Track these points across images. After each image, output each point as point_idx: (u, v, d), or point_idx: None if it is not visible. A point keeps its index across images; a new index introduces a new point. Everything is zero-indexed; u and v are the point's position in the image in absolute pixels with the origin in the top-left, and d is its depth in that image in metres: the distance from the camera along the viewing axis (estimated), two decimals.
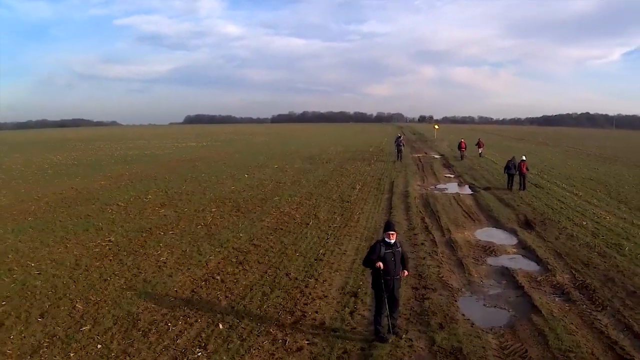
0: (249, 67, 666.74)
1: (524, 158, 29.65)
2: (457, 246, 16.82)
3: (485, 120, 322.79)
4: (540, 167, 40.45)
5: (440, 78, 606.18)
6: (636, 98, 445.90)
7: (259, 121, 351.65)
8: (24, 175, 38.85)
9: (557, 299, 12.27)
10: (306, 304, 11.77)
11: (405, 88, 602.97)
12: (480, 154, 51.51)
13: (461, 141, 50.26)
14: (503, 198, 25.85)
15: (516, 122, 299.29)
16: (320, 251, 16.14)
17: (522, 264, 15.24)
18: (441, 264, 14.87)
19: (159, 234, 19.05)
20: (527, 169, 29.19)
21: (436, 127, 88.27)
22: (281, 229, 19.32)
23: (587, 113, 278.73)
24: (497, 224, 20.64)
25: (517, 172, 28.95)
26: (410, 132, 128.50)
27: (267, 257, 15.59)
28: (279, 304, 11.79)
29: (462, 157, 48.41)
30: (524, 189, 28.65)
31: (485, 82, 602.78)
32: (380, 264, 9.60)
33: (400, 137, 54.47)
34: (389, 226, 9.94)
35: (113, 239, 18.35)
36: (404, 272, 10.18)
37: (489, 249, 16.62)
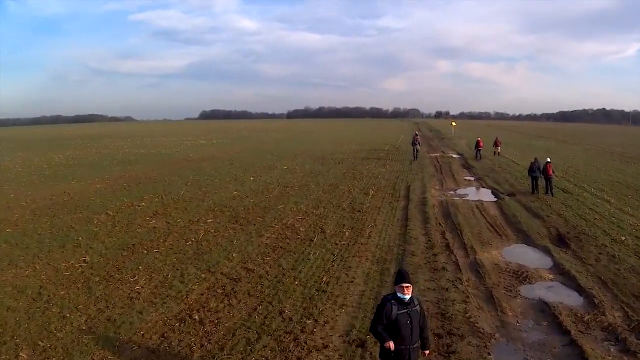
0: (265, 62, 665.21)
1: (548, 160, 27.46)
2: (484, 271, 14.33)
3: (501, 116, 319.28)
4: (564, 168, 37.72)
5: (456, 73, 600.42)
6: None
7: (274, 117, 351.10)
8: (18, 178, 36.96)
9: (612, 349, 9.81)
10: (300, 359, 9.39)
11: (421, 83, 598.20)
12: (496, 152, 49.37)
13: (478, 140, 48.09)
14: (530, 207, 23.27)
15: (532, 117, 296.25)
16: (324, 278, 13.74)
17: (562, 296, 12.73)
18: (468, 297, 12.40)
19: (142, 252, 16.83)
20: (553, 172, 27.11)
21: (453, 123, 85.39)
22: (281, 247, 16.93)
23: (604, 109, 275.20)
24: (526, 239, 18.11)
25: (542, 176, 26.84)
26: (426, 128, 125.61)
27: (259, 287, 13.23)
28: (265, 359, 9.41)
29: (478, 157, 46.41)
30: (551, 194, 26.34)
31: (500, 78, 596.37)
32: (391, 345, 7.01)
33: (416, 135, 52.21)
34: (402, 277, 7.13)
35: (89, 258, 16.18)
36: (425, 353, 7.65)
37: (522, 275, 14.12)
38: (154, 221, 21.38)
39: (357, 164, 40.91)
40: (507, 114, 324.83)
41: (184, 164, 43.55)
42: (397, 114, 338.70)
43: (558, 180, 30.47)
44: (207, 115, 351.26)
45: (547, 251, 16.51)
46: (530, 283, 13.60)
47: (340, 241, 17.49)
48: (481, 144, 47.42)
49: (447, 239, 17.68)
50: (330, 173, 35.35)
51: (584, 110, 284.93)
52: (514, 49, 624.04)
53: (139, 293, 13.02)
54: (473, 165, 40.49)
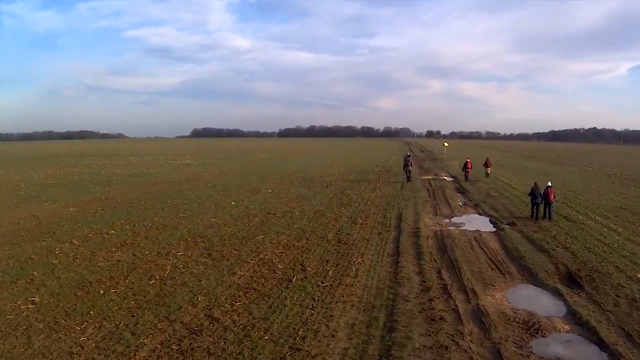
0: (258, 80, 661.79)
1: (549, 184, 26.13)
2: (489, 322, 12.26)
3: (492, 136, 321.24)
4: (563, 193, 35.88)
5: (448, 93, 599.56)
6: None
7: (265, 135, 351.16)
8: None
9: None
10: None
11: (413, 102, 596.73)
12: (487, 173, 48.44)
13: (467, 161, 47.37)
14: (534, 238, 21.28)
15: (523, 137, 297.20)
16: (300, 332, 11.63)
17: (583, 355, 10.71)
18: (472, 359, 10.30)
19: (98, 292, 14.76)
20: (554, 196, 25.92)
21: (446, 144, 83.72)
22: (255, 289, 14.79)
23: (595, 128, 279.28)
24: (533, 279, 16.09)
25: (542, 201, 25.60)
26: (418, 148, 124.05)
27: (222, 343, 11.11)
28: None
29: (466, 178, 45.59)
30: (549, 219, 25.39)
31: (492, 97, 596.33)
32: None
33: (408, 155, 50.52)
34: None
35: (38, 299, 14.19)
36: None
37: (533, 326, 12.07)
38: (120, 253, 19.27)
39: (346, 188, 38.82)
40: (499, 134, 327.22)
41: (165, 186, 41.34)
42: (388, 133, 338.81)
43: (560, 207, 28.71)
44: (198, 133, 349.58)
45: (558, 294, 14.51)
46: (543, 336, 11.61)
47: (322, 282, 15.36)
48: (469, 165, 46.51)
49: (444, 279, 15.62)
50: (317, 198, 33.23)
51: (575, 129, 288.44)
52: (506, 68, 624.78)
53: (82, 347, 11.06)
54: (468, 189, 38.46)
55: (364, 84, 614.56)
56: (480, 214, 28.11)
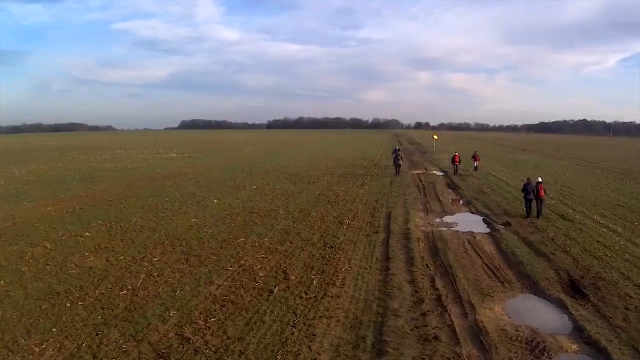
0: (246, 72, 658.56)
1: (540, 180, 25.45)
2: (489, 341, 11.11)
3: (481, 127, 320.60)
4: (557, 188, 34.93)
5: (436, 84, 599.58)
6: (632, 105, 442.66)
7: (254, 127, 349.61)
8: None
9: None
10: None
11: (401, 94, 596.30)
12: (475, 167, 47.45)
13: (455, 155, 46.98)
14: (530, 240, 20.19)
15: (513, 128, 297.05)
16: (278, 355, 10.44)
17: None
18: None
19: (65, 305, 13.57)
20: (545, 192, 25.31)
21: (435, 137, 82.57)
22: (232, 301, 13.56)
23: (584, 120, 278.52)
24: (534, 288, 14.99)
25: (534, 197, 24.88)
26: (407, 141, 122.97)
27: None
28: None
29: (455, 172, 45.18)
30: (539, 215, 24.90)
31: (481, 89, 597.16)
32: None
33: (398, 149, 49.50)
34: None
35: (0, 313, 12.76)
36: None
37: (538, 346, 10.95)
38: (93, 258, 18.01)
39: (333, 184, 37.59)
40: (488, 125, 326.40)
41: (147, 183, 39.94)
42: (377, 125, 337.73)
43: (554, 204, 27.79)
44: (187, 125, 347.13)
45: (562, 305, 13.43)
46: (549, 359, 10.42)
47: (306, 293, 14.14)
48: (457, 159, 46.10)
49: (437, 289, 14.46)
50: (303, 195, 31.98)
51: (565, 121, 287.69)
52: (495, 60, 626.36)
53: None
54: (459, 185, 37.33)
55: (353, 75, 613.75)
56: (472, 213, 27.04)
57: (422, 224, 23.83)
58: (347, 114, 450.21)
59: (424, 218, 25.23)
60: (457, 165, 45.91)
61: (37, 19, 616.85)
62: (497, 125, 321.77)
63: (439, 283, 15.04)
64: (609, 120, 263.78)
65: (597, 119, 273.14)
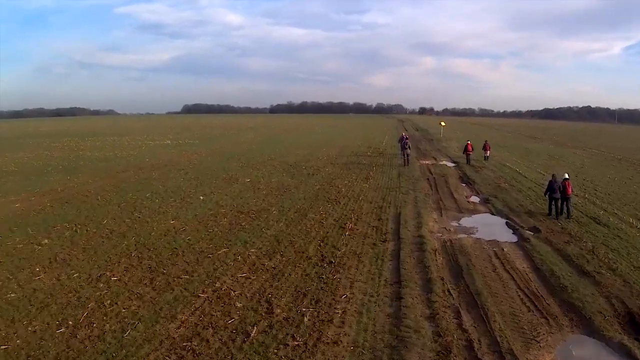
0: (250, 56, 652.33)
1: (567, 176, 22.69)
2: None
3: (486, 113, 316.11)
4: (580, 183, 31.55)
5: (440, 69, 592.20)
6: (637, 92, 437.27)
7: (257, 111, 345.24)
8: None
9: None
10: None
11: (405, 79, 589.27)
12: (486, 157, 44.64)
13: (467, 143, 43.97)
14: (568, 253, 16.82)
15: (517, 114, 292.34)
16: None
17: None
18: None
19: None
20: (572, 191, 23.20)
21: (443, 123, 78.60)
22: (194, 350, 10.24)
23: (589, 106, 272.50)
24: (587, 326, 11.65)
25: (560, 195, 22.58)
26: (412, 127, 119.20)
27: None
28: None
29: (468, 162, 42.17)
30: (567, 216, 22.14)
31: (485, 74, 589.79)
32: None
33: (406, 137, 45.95)
34: None
35: None
36: None
37: None
38: (43, 276, 14.89)
39: (335, 176, 34.17)
40: (492, 111, 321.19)
41: (132, 174, 36.68)
42: (381, 110, 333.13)
43: (582, 203, 24.74)
44: (189, 109, 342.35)
45: (628, 355, 10.08)
46: None
47: (293, 337, 10.78)
48: (470, 148, 43.27)
49: (466, 330, 11.11)
50: (300, 190, 28.58)
51: (570, 107, 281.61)
52: (499, 46, 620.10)
53: None
54: (473, 178, 33.84)
55: (356, 60, 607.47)
56: (492, 214, 23.68)
57: (437, 229, 20.45)
58: (350, 99, 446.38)
59: (438, 221, 21.82)
60: (469, 154, 42.79)
61: (39, 3, 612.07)
62: (502, 111, 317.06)
63: (466, 320, 11.68)
64: (613, 107, 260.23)
65: (601, 106, 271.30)
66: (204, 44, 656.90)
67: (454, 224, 21.52)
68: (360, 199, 26.20)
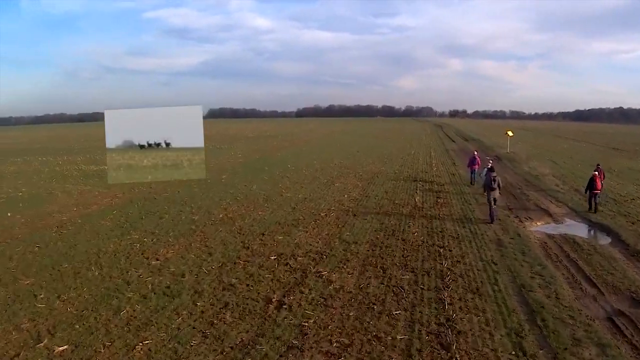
0: (277, 60, 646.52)
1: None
2: None
3: (516, 115, 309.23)
4: None
5: (467, 71, 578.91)
6: None
7: (283, 115, 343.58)
8: None
9: None
10: None
11: (433, 81, 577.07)
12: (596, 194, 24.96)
13: (594, 175, 24.29)
14: None
15: (549, 116, 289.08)
16: None
17: None
18: None
19: None
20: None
21: (510, 133, 57.79)
22: None
23: (621, 108, 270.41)
24: None
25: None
26: (454, 133, 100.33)
27: None
28: None
29: (593, 208, 24.56)
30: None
31: (512, 76, 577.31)
32: None
33: (491, 167, 27.31)
34: None
35: None
36: None
37: None
38: None
39: (345, 250, 15.99)
40: (523, 113, 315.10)
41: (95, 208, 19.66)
42: (409, 113, 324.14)
43: None
44: (214, 114, 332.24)
45: None
46: None
47: None
48: (599, 182, 24.19)
49: None
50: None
51: (601, 109, 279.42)
52: (526, 47, 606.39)
53: None
54: None
55: (383, 63, 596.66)
56: None
57: None
58: (378, 102, 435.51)
59: None
60: (596, 194, 24.31)
61: (67, 8, 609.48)
62: (532, 112, 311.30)
63: None
64: None
65: (633, 107, 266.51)
66: (232, 48, 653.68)
67: None
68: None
